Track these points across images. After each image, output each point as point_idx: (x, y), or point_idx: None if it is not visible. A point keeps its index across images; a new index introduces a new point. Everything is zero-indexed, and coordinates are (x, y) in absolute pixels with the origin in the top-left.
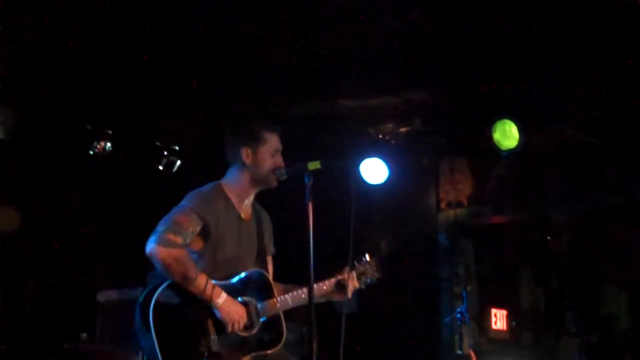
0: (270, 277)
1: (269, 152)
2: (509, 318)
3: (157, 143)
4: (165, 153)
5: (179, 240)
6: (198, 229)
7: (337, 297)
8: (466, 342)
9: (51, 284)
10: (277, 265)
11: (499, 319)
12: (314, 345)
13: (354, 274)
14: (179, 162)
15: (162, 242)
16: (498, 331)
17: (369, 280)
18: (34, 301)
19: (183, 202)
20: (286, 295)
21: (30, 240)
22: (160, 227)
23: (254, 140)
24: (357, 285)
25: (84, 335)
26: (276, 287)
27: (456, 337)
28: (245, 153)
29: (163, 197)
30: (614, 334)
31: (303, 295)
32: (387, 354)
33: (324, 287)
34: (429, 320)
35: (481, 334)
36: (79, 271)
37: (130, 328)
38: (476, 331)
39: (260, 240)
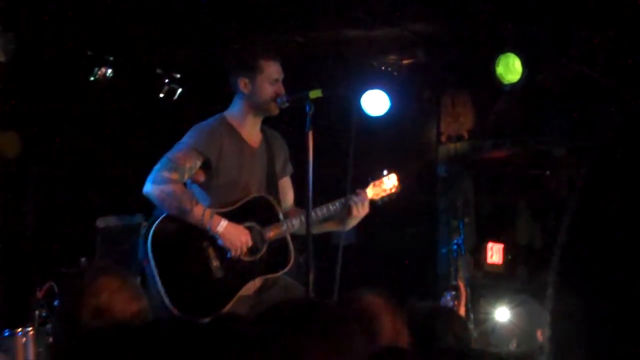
0: (280, 201)
1: (268, 81)
2: (505, 252)
3: (158, 71)
4: (167, 81)
5: (175, 176)
6: (198, 163)
7: (338, 225)
8: (460, 274)
9: (50, 210)
10: (297, 186)
11: (495, 253)
12: (311, 275)
13: (367, 190)
14: (180, 90)
15: (156, 181)
16: (493, 265)
17: (386, 197)
18: (32, 227)
19: (184, 139)
20: (293, 219)
21: (29, 166)
22: (157, 166)
23: (251, 70)
24: (369, 201)
25: (83, 260)
26: (291, 211)
27: (452, 268)
28: (243, 83)
29: (164, 125)
30: None
31: (308, 217)
32: (383, 285)
33: (330, 208)
34: (425, 251)
35: (477, 267)
36: (78, 198)
37: (129, 254)
38: (472, 264)
39: (270, 166)
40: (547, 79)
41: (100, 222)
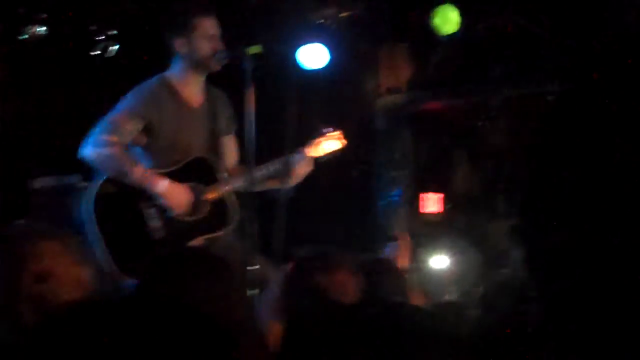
0: (224, 163)
1: (204, 38)
2: (444, 202)
3: (93, 27)
4: (102, 37)
5: (115, 138)
6: (140, 126)
7: (281, 184)
8: (400, 225)
9: None
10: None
11: (433, 203)
12: (254, 229)
13: (310, 148)
14: (117, 47)
15: (93, 143)
16: (432, 214)
17: (329, 154)
18: None
19: (124, 101)
20: (234, 179)
21: None
22: (96, 129)
23: (185, 29)
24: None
25: (20, 222)
26: (234, 169)
27: (391, 220)
28: (179, 43)
29: (102, 83)
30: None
31: (252, 176)
32: (324, 238)
33: (270, 168)
34: (365, 204)
35: (415, 217)
36: (10, 158)
37: (65, 215)
38: (411, 214)
39: (213, 125)
40: (483, 29)
41: (35, 183)
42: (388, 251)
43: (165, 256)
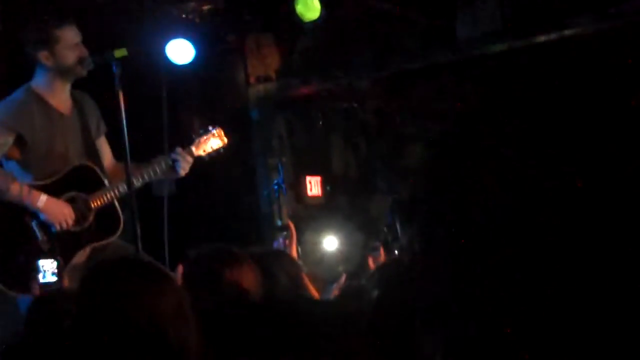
0: (101, 166)
1: (68, 47)
2: (323, 184)
3: None
4: None
5: None
6: (10, 140)
7: (167, 176)
8: (285, 212)
9: None
10: (114, 143)
11: (313, 186)
12: (138, 230)
13: (192, 148)
14: None
15: None
16: (314, 197)
17: (213, 152)
18: None
19: None
20: (118, 185)
21: None
22: None
23: (47, 42)
24: (193, 158)
25: None
26: (114, 169)
27: (274, 208)
28: (44, 56)
29: None
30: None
31: (134, 181)
32: (209, 233)
33: (151, 173)
34: (247, 195)
35: (298, 201)
36: None
37: None
38: (293, 200)
39: (85, 130)
40: (346, 14)
41: None
42: (280, 241)
43: (100, 268)
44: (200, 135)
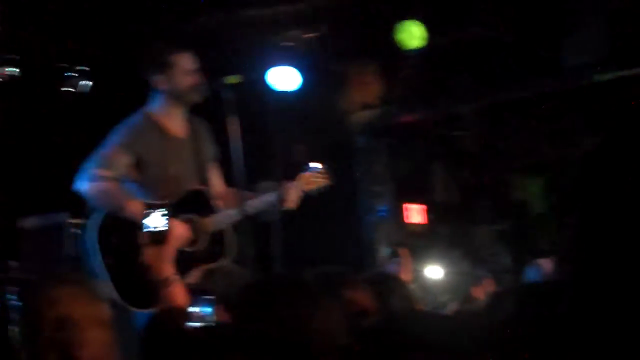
0: (212, 190)
1: (183, 73)
2: (426, 212)
3: (63, 64)
4: (76, 75)
5: (109, 173)
6: (130, 160)
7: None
8: (390, 239)
9: None
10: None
11: (416, 214)
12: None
13: (302, 183)
14: (90, 83)
15: (88, 178)
16: (417, 225)
17: (316, 188)
18: None
19: (112, 137)
20: (229, 210)
21: None
22: (89, 164)
23: (163, 67)
24: (301, 192)
25: (14, 263)
26: (228, 194)
27: (377, 235)
28: (159, 81)
29: (80, 119)
30: (526, 220)
31: (246, 207)
32: (312, 258)
33: (261, 204)
34: (350, 221)
35: (400, 229)
36: None
37: (56, 253)
38: (395, 227)
39: (199, 154)
40: (449, 42)
41: (25, 223)
42: (392, 267)
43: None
44: (308, 170)
